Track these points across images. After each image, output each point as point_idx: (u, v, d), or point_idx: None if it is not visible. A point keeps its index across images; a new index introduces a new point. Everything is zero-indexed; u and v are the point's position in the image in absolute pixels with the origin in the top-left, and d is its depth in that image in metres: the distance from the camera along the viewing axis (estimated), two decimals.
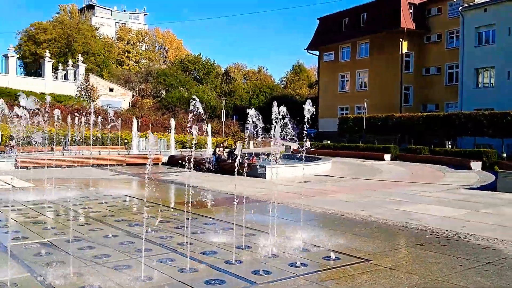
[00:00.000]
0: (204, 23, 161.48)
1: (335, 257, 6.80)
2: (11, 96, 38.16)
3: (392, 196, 13.61)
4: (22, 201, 11.58)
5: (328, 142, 35.69)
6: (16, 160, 19.67)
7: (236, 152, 17.78)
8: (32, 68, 63.16)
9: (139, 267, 6.04)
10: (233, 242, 7.26)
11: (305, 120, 7.40)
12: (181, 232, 8.28)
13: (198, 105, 7.42)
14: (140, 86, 61.85)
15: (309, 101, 8.10)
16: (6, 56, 50.52)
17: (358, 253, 7.10)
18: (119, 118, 42.95)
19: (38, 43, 61.12)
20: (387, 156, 28.45)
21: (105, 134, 35.82)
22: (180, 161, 21.47)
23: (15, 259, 6.45)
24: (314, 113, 8.40)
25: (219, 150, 19.96)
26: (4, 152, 25.50)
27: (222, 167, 18.66)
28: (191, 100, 7.51)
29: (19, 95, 10.73)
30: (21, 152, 23.74)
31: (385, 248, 7.55)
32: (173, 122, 31.41)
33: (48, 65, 52.02)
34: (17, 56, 56.22)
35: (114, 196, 13.11)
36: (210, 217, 9.86)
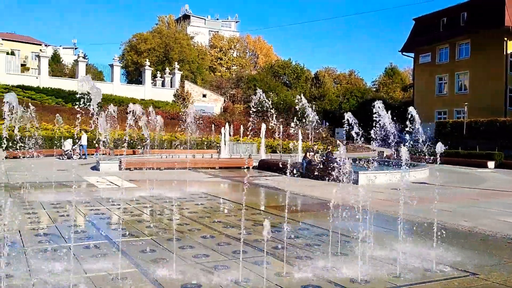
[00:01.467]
0: (294, 28, 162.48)
1: (438, 269, 6.44)
2: (115, 103, 41.10)
3: (498, 206, 12.62)
4: (127, 200, 12.39)
5: (424, 148, 34.03)
6: (121, 162, 21.13)
7: (334, 157, 17.54)
8: (134, 76, 67.65)
9: (237, 269, 6.18)
10: (328, 249, 7.16)
11: (408, 125, 7.09)
12: (275, 236, 8.33)
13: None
14: (231, 92, 63.61)
15: (412, 107, 7.75)
16: (112, 66, 54.63)
17: (463, 266, 6.66)
18: (212, 123, 44.57)
19: (139, 52, 65.35)
20: (491, 164, 26.50)
21: (198, 138, 37.31)
22: (270, 165, 21.73)
23: (124, 254, 6.90)
24: (413, 118, 8.03)
25: (309, 155, 19.86)
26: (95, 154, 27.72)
27: (313, 172, 18.56)
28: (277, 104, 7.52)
29: (124, 103, 11.48)
30: (124, 155, 25.46)
31: (493, 262, 7.01)
32: (263, 127, 31.87)
33: (147, 73, 55.39)
34: (121, 65, 60.52)
35: (209, 198, 13.57)
36: (303, 222, 9.83)
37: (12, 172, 19.22)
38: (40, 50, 52.49)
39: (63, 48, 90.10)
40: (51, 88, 47.05)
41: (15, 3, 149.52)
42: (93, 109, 6.41)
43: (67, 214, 10.33)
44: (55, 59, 67.18)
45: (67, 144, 28.18)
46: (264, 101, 6.97)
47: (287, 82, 69.47)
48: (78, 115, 7.79)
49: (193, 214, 10.67)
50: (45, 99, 45.09)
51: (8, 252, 6.88)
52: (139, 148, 30.34)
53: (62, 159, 27.34)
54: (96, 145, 29.38)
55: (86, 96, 6.61)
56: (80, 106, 6.77)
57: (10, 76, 47.23)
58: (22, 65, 64.47)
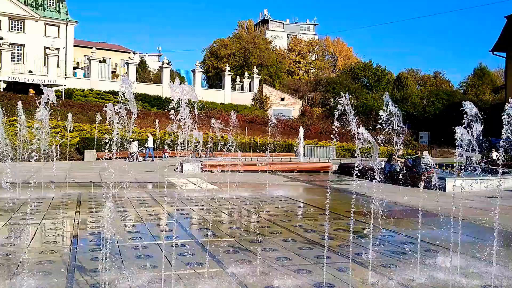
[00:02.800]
0: (375, 29, 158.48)
1: None
2: (197, 107, 42.42)
3: None
4: (209, 201, 12.75)
5: None
6: (202, 164, 21.79)
7: (421, 162, 16.81)
8: (214, 81, 69.58)
9: (320, 274, 6.12)
10: (415, 258, 6.88)
11: (504, 130, 6.61)
12: (357, 242, 8.16)
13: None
14: (310, 95, 63.32)
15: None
16: (194, 71, 56.61)
17: None
18: (290, 127, 44.65)
19: (219, 58, 67.12)
20: None
21: (277, 142, 37.50)
22: (351, 170, 21.32)
23: (209, 254, 7.10)
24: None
25: (393, 160, 19.22)
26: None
27: (397, 177, 17.94)
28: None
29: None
30: (206, 157, 26.23)
31: None
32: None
33: (227, 78, 56.73)
34: (202, 70, 62.49)
35: (289, 201, 13.60)
36: (388, 229, 9.52)
37: (104, 173, 20.52)
38: (129, 57, 55.65)
39: (148, 55, 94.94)
40: (138, 93, 49.68)
41: (107, 15, 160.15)
42: (182, 113, 6.68)
43: (155, 213, 10.84)
44: (141, 66, 70.91)
45: (133, 146, 28.69)
46: (347, 104, 6.80)
47: (368, 84, 67.86)
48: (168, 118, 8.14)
49: (273, 217, 10.74)
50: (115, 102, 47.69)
51: (105, 245, 7.37)
52: (220, 151, 31.06)
53: (129, 161, 28.14)
54: (165, 147, 30.30)
55: (175, 101, 6.89)
56: (169, 110, 7.07)
57: (102, 82, 50.51)
58: (112, 72, 68.76)
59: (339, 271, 6.44)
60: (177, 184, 17.28)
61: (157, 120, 28.80)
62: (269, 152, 32.91)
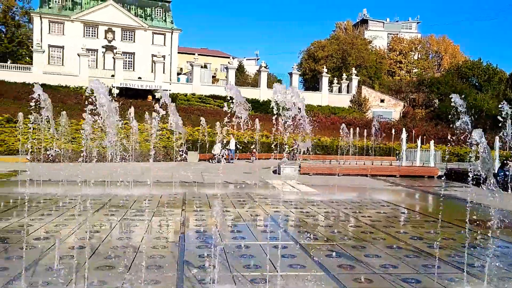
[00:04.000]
0: (484, 25, 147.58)
1: None
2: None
3: None
4: (308, 204, 12.69)
5: None
6: (300, 167, 21.79)
7: None
8: (311, 83, 69.44)
9: (430, 284, 5.79)
10: None
11: None
12: (470, 252, 7.58)
13: None
14: (412, 96, 60.59)
15: None
16: (290, 74, 56.96)
17: None
18: (390, 129, 43.03)
19: (316, 60, 66.81)
20: None
21: (376, 145, 36.35)
22: (459, 175, 19.98)
23: (311, 257, 7.04)
24: None
25: (508, 166, 17.66)
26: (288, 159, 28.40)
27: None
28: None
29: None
30: (304, 160, 26.20)
31: None
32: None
33: (324, 80, 56.27)
34: (299, 73, 62.66)
35: (391, 206, 13.08)
36: (503, 240, 8.74)
37: (206, 173, 21.36)
38: (228, 62, 57.53)
39: (246, 59, 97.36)
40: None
41: (208, 23, 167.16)
42: (284, 115, 6.69)
43: (255, 213, 11.02)
44: (240, 70, 72.88)
45: (217, 148, 28.98)
46: (461, 106, 6.33)
47: (476, 84, 63.30)
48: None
49: (375, 222, 10.38)
50: (231, 107, 49.26)
51: (210, 243, 7.63)
52: (318, 153, 30.87)
53: (212, 162, 28.84)
54: (253, 149, 30.53)
55: (274, 104, 6.93)
56: (272, 113, 7.12)
57: (204, 87, 52.80)
58: (212, 76, 71.52)
59: (451, 281, 6.04)
60: (275, 186, 17.44)
61: (257, 122, 29.16)
62: (369, 155, 32.04)
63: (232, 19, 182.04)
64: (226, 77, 59.83)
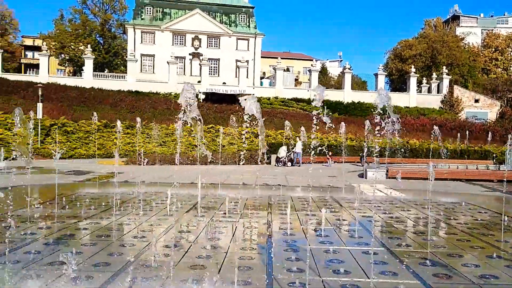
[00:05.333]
0: None
1: None
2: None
3: None
4: (398, 210, 12.22)
5: None
6: (387, 171, 21.08)
7: None
8: (397, 84, 67.04)
9: None
10: None
11: None
12: None
13: None
14: (510, 95, 56.28)
15: None
16: (376, 75, 55.42)
17: None
18: (486, 131, 40.30)
19: (404, 59, 64.38)
20: None
21: (470, 148, 34.22)
22: None
23: (403, 264, 6.76)
24: None
25: None
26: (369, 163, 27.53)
27: None
28: None
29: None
30: (390, 163, 25.33)
31: None
32: None
33: (412, 80, 54.02)
34: (385, 74, 60.77)
35: (490, 213, 12.21)
36: None
37: (290, 176, 21.40)
38: (311, 65, 57.25)
39: (329, 61, 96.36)
40: None
41: (290, 26, 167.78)
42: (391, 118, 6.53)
43: (342, 218, 10.82)
44: (322, 72, 72.24)
45: (282, 151, 28.60)
46: None
47: None
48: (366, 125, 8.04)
49: (472, 230, 9.75)
50: (315, 109, 48.97)
51: (297, 247, 7.62)
52: (406, 157, 29.68)
53: (278, 165, 28.22)
54: (329, 153, 29.77)
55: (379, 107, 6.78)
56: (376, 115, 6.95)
57: (286, 90, 53.00)
58: (295, 79, 71.60)
59: None
60: (361, 190, 17.02)
61: (343, 125, 28.65)
62: (463, 159, 30.22)
63: (314, 22, 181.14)
64: (309, 79, 59.60)
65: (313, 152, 30.59)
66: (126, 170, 22.93)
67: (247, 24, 65.57)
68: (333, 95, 50.79)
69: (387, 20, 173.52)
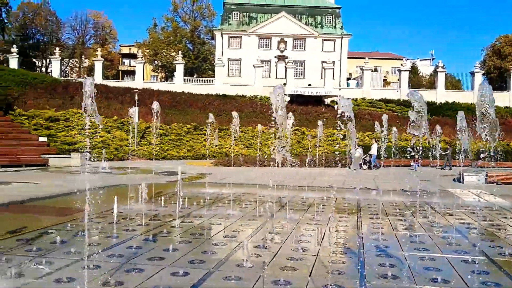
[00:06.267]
0: None
1: None
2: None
3: None
4: (499, 217, 11.38)
5: None
6: (487, 175, 19.72)
7: None
8: (496, 82, 62.52)
9: None
10: None
11: None
12: None
13: None
14: None
15: None
16: (472, 73, 52.14)
17: None
18: None
19: (503, 56, 59.98)
20: None
21: None
22: None
23: (508, 275, 6.29)
24: None
25: None
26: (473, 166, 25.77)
27: None
28: None
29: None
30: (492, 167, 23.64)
31: None
32: None
33: None
34: (482, 72, 56.94)
35: None
36: None
37: (379, 180, 20.78)
38: (401, 64, 55.19)
39: (420, 60, 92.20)
40: (410, 100, 48.79)
41: (378, 25, 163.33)
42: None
43: (438, 224, 10.28)
44: (413, 72, 69.33)
45: (356, 154, 27.65)
46: None
47: None
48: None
49: None
50: (404, 110, 47.09)
51: (390, 252, 7.37)
52: (501, 160, 27.56)
53: (351, 169, 27.20)
54: (416, 156, 28.17)
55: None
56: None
57: (374, 91, 51.60)
58: (383, 80, 69.45)
59: None
60: (458, 195, 16.07)
61: (438, 128, 27.27)
62: None
63: (404, 19, 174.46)
64: (398, 79, 57.54)
65: (397, 155, 29.47)
66: (214, 171, 23.66)
67: (333, 25, 64.83)
68: (424, 95, 48.41)
69: (483, 14, 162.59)
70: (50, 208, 11.77)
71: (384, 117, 30.04)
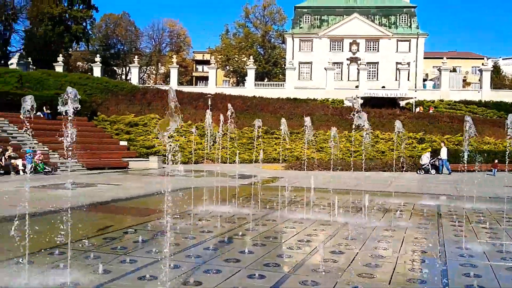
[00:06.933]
0: None
1: None
2: None
3: None
4: None
5: None
6: None
7: None
8: None
9: None
10: None
11: None
12: None
13: None
14: None
15: None
16: None
17: None
18: None
19: None
20: None
21: None
22: None
23: None
24: None
25: None
26: None
27: None
28: None
29: None
30: None
31: None
32: None
33: None
34: None
35: None
36: None
37: (460, 185, 19.74)
38: (482, 64, 52.18)
39: (502, 59, 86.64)
40: (492, 101, 45.97)
41: (457, 23, 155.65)
42: None
43: None
44: (495, 71, 65.29)
45: (424, 158, 26.61)
46: None
47: None
48: None
49: None
50: (486, 112, 44.48)
51: (474, 262, 6.96)
52: None
53: (420, 173, 26.15)
54: (495, 160, 26.18)
55: None
56: None
57: (453, 92, 49.19)
58: (463, 80, 66.02)
59: None
60: None
61: None
62: None
63: (485, 16, 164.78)
64: (479, 80, 54.49)
65: (467, 159, 27.69)
66: (286, 175, 23.68)
67: (408, 24, 62.69)
68: (508, 96, 45.63)
69: None
70: (132, 209, 12.38)
71: (468, 118, 28.48)
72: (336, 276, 6.13)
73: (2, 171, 20.25)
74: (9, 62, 56.51)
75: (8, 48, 58.27)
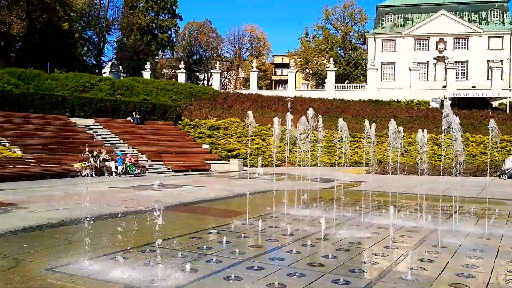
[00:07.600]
0: None
1: None
2: None
3: None
4: None
5: None
6: None
7: None
8: None
9: None
10: None
11: None
12: None
13: None
14: None
15: None
16: None
17: None
18: None
19: None
20: None
21: None
22: None
23: None
24: None
25: None
26: None
27: None
28: None
29: None
30: None
31: None
32: None
33: None
34: None
35: None
36: None
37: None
38: None
39: None
40: None
41: None
42: None
43: None
44: None
45: (508, 162, 24.82)
46: None
47: None
48: None
49: None
50: None
51: None
52: None
53: (502, 178, 24.46)
54: None
55: None
56: None
57: None
58: None
59: None
60: None
61: None
62: None
63: None
64: None
65: None
66: (368, 178, 23.08)
67: (501, 20, 58.57)
68: None
69: None
70: (215, 210, 12.71)
71: None
72: (425, 286, 5.83)
73: (97, 173, 21.73)
74: (102, 71, 60.77)
75: (102, 57, 62.56)
